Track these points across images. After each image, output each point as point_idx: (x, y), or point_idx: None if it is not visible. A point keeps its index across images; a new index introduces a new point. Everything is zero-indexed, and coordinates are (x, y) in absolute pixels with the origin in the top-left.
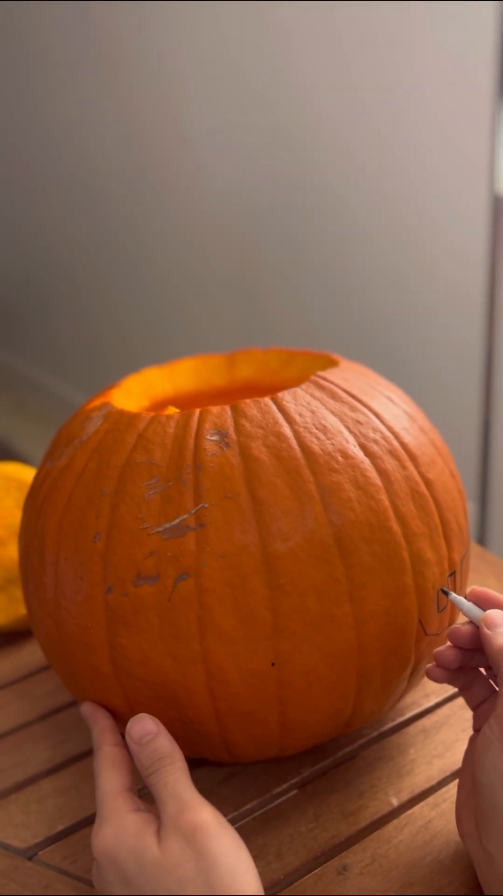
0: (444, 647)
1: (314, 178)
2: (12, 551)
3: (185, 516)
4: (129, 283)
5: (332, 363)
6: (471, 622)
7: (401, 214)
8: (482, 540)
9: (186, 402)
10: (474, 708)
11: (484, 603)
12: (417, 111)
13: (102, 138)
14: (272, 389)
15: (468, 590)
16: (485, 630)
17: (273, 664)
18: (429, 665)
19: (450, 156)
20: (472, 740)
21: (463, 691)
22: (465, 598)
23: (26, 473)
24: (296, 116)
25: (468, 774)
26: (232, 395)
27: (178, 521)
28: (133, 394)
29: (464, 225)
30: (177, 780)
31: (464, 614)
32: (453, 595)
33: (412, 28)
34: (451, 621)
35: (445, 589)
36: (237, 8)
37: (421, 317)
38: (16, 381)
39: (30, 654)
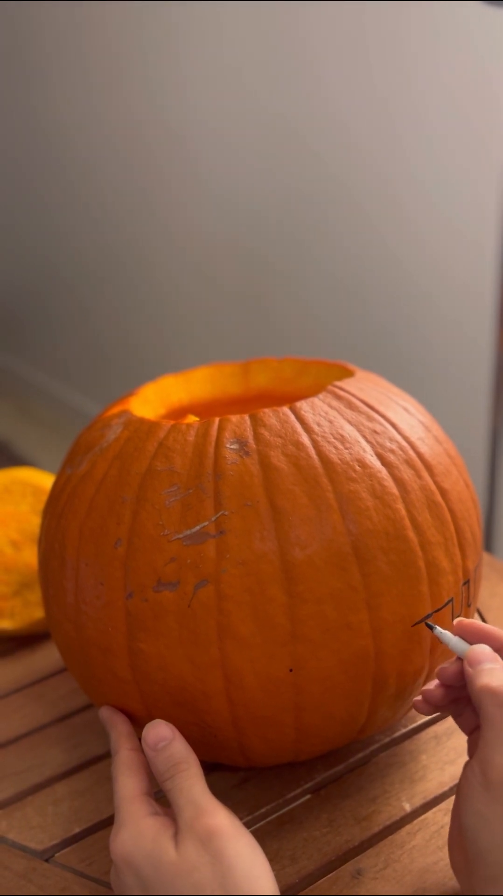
0: (433, 686)
1: (321, 183)
2: (27, 556)
3: (206, 523)
4: (132, 287)
5: (347, 373)
6: (458, 658)
7: (411, 221)
8: (490, 547)
9: (202, 409)
10: (469, 734)
11: (470, 636)
12: (426, 117)
13: (105, 143)
14: (286, 398)
15: (455, 621)
16: (468, 668)
17: (290, 670)
18: (417, 699)
19: (461, 162)
20: (466, 767)
21: (456, 717)
22: (453, 628)
23: (41, 478)
24: (302, 121)
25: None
26: (247, 403)
27: (198, 528)
28: (150, 401)
29: (476, 233)
30: (192, 785)
31: (451, 649)
32: (438, 629)
33: (420, 25)
34: None
35: (430, 623)
36: (240, 12)
37: (430, 326)
38: (18, 385)
39: (44, 658)
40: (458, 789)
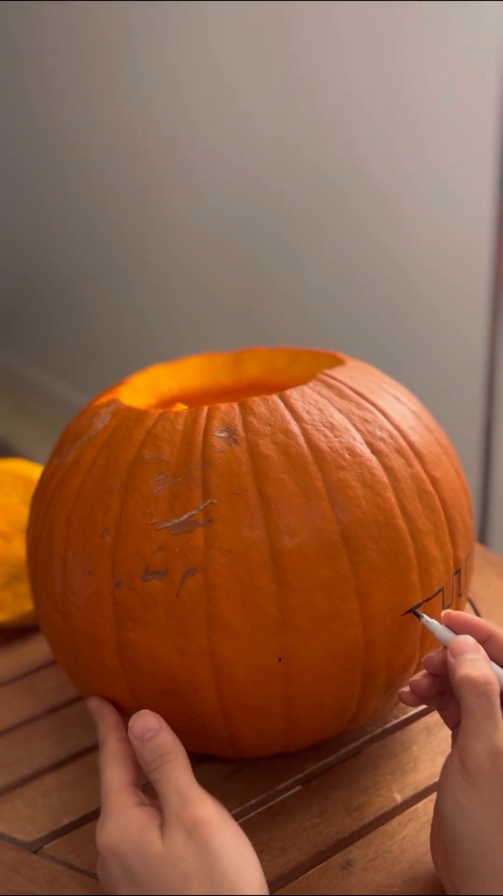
0: (419, 676)
1: (315, 176)
2: (17, 548)
3: (194, 512)
4: (128, 283)
5: (338, 362)
6: (444, 648)
7: (404, 213)
8: (484, 539)
9: (193, 400)
10: (452, 727)
11: (457, 627)
12: (420, 111)
13: (101, 140)
14: (278, 388)
15: (443, 613)
16: (450, 658)
17: (280, 659)
18: (403, 689)
19: (455, 156)
20: (447, 758)
21: (440, 711)
22: (441, 620)
23: (31, 470)
24: (296, 114)
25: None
26: (238, 393)
27: (186, 516)
28: (140, 391)
29: (469, 225)
30: (179, 776)
31: (437, 638)
32: (425, 618)
33: (415, 26)
34: None
35: (418, 612)
36: (236, 15)
37: (423, 316)
38: (15, 382)
39: (34, 650)
40: (440, 781)
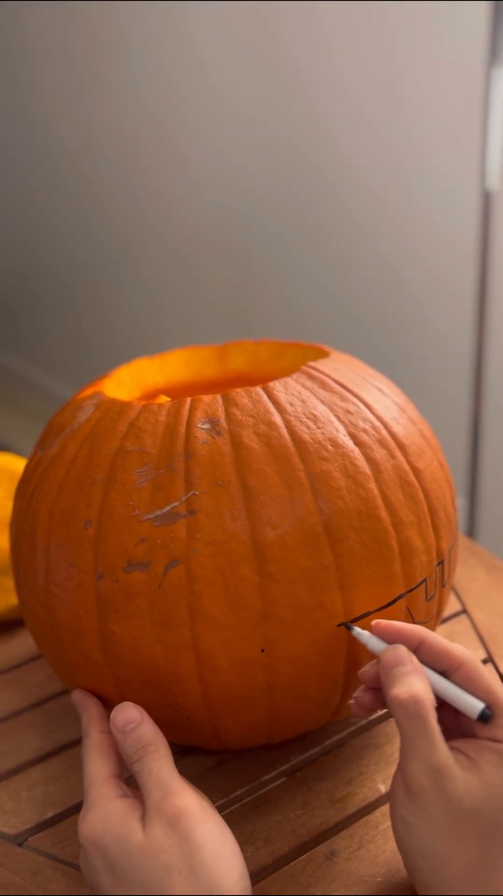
0: (360, 691)
1: (305, 171)
2: (3, 541)
3: (176, 504)
4: (119, 279)
5: (323, 354)
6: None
7: (392, 209)
8: (471, 533)
9: (177, 392)
10: None
11: (388, 636)
12: (408, 107)
13: (93, 136)
14: (263, 381)
15: (373, 622)
16: (382, 674)
17: (262, 651)
18: (351, 702)
19: (441, 151)
20: (394, 775)
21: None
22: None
23: (17, 464)
24: (288, 109)
25: None
26: (223, 386)
27: (168, 508)
28: (124, 384)
29: (455, 220)
30: (160, 767)
31: (370, 650)
32: (356, 630)
33: (402, 24)
34: (440, 610)
35: (348, 624)
36: (232, 10)
37: (411, 310)
38: (6, 377)
39: (21, 644)
40: (390, 798)
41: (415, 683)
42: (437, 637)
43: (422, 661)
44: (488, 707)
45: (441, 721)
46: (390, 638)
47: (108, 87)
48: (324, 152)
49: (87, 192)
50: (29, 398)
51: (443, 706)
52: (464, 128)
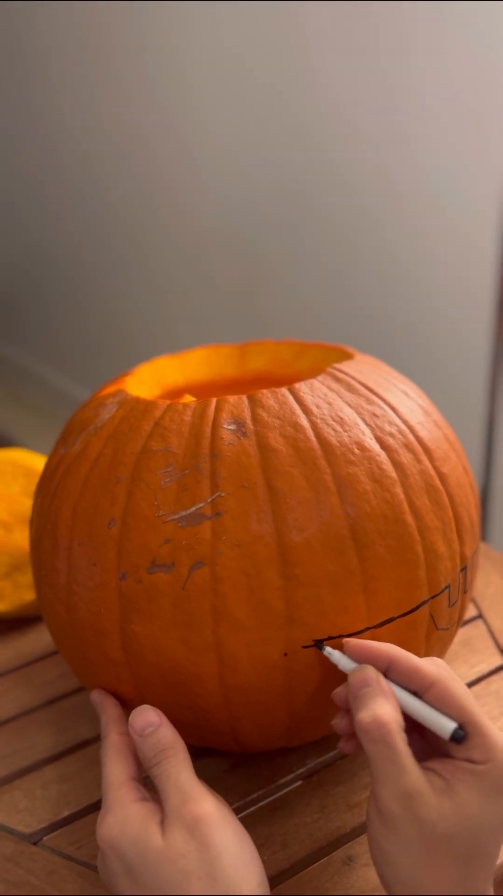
0: (338, 718)
1: (317, 168)
2: (18, 538)
3: (202, 505)
4: (127, 274)
5: (345, 356)
6: None
7: (409, 207)
8: (485, 537)
9: (198, 391)
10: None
11: (357, 656)
12: (427, 101)
13: (101, 130)
14: (283, 381)
15: (344, 641)
16: (350, 697)
17: (285, 654)
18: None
19: (459, 146)
20: (369, 801)
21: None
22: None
23: (33, 460)
24: (298, 107)
25: None
26: (243, 385)
27: (194, 509)
28: (145, 382)
29: (474, 220)
30: (179, 772)
31: (342, 670)
32: (327, 650)
33: (424, 23)
34: (461, 616)
35: (319, 643)
36: (238, 6)
37: (426, 311)
38: (13, 372)
39: (33, 642)
40: (366, 824)
41: (381, 706)
42: (409, 656)
43: (394, 681)
44: (461, 727)
45: (419, 741)
46: (359, 658)
47: (117, 84)
48: (338, 146)
49: (98, 188)
50: (34, 393)
51: (421, 726)
52: (484, 121)
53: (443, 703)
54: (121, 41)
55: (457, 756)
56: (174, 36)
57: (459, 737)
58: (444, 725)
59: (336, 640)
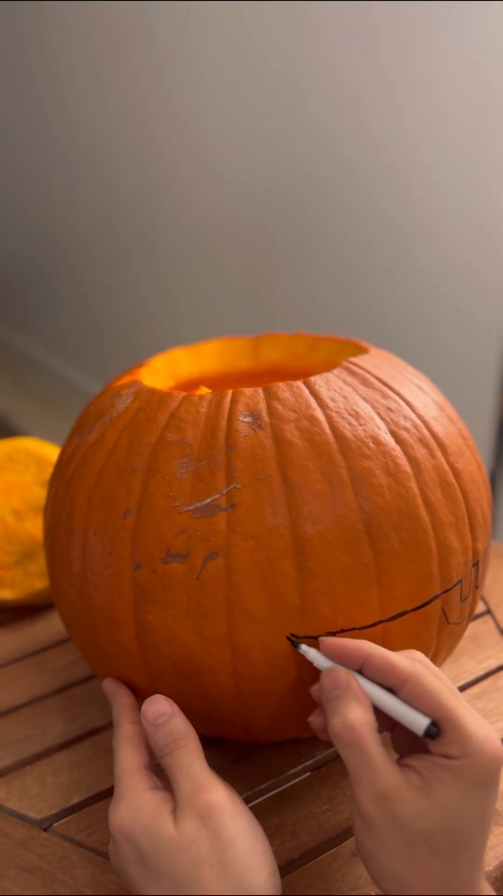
0: (314, 716)
1: (328, 160)
2: (29, 526)
3: (217, 496)
4: (133, 264)
5: (360, 350)
6: None
7: (419, 201)
8: (493, 534)
9: (211, 383)
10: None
11: (331, 654)
12: (433, 96)
13: (108, 120)
14: (297, 374)
15: (320, 639)
16: (323, 699)
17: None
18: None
19: (470, 137)
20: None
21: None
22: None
23: (45, 449)
24: (308, 99)
25: None
26: (257, 378)
27: (209, 500)
28: (159, 373)
29: (485, 215)
30: (191, 761)
31: (317, 667)
32: (303, 647)
33: (439, 16)
34: (472, 611)
35: (294, 640)
36: (244, 5)
37: (437, 306)
38: (16, 359)
39: (44, 629)
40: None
41: (352, 711)
42: (383, 652)
43: (370, 678)
44: (435, 722)
45: (405, 736)
46: (333, 656)
47: (124, 75)
48: (348, 140)
49: (104, 177)
50: (38, 380)
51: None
52: (493, 111)
53: (417, 700)
54: (129, 31)
55: (435, 751)
56: (183, 27)
57: (433, 733)
58: (418, 722)
59: (342, 634)
